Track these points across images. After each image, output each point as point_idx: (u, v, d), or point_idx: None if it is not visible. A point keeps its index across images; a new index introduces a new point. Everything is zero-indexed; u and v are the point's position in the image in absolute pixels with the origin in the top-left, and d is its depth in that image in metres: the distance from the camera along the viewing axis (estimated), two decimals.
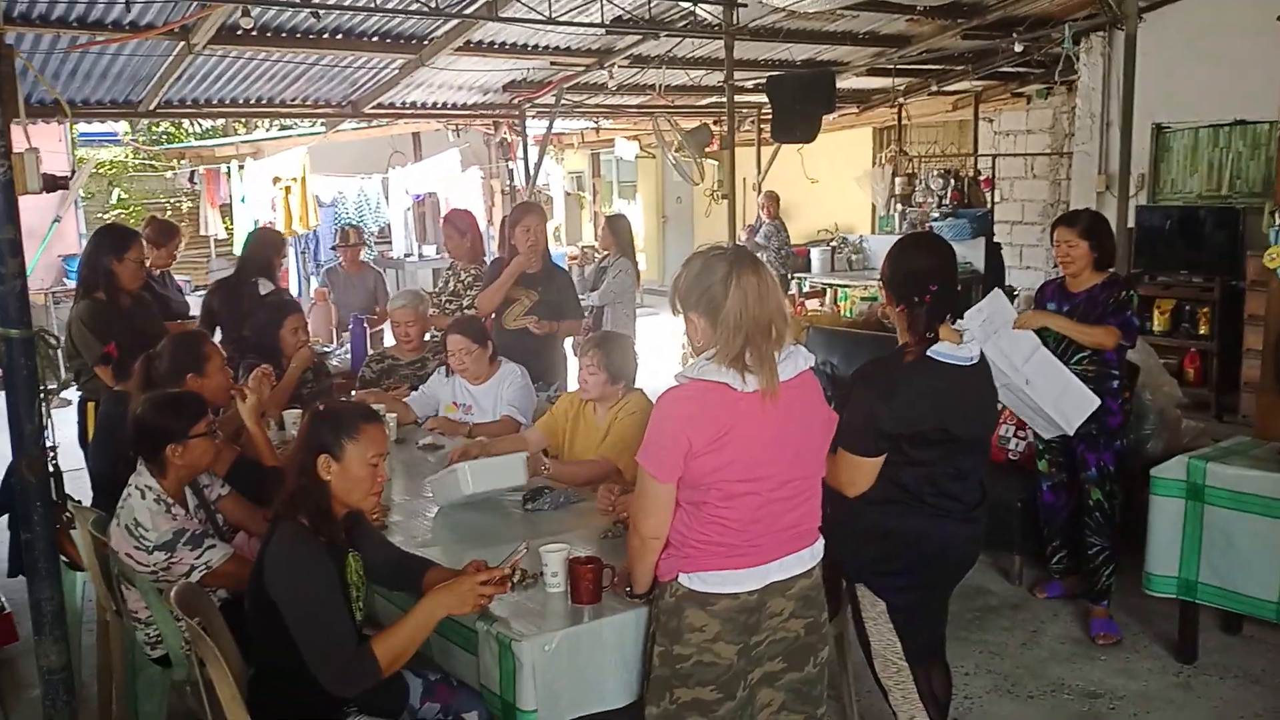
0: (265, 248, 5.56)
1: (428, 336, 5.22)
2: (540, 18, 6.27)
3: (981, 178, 10.80)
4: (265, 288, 5.25)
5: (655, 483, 2.27)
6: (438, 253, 11.20)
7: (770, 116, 8.14)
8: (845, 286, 9.77)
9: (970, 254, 9.08)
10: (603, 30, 6.86)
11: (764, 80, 8.15)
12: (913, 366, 2.67)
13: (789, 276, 10.24)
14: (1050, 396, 3.80)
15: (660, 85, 8.59)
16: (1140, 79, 6.65)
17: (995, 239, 9.66)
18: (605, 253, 7.29)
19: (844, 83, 9.06)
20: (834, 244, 10.80)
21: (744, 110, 10.44)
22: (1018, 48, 8.00)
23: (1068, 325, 3.95)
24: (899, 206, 11.29)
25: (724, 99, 7.17)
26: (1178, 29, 7.32)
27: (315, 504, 2.42)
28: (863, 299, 9.32)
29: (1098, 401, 3.84)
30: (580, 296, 7.26)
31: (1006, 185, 10.90)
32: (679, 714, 2.34)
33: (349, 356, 6.36)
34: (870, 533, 2.73)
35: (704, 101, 9.94)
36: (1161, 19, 7.37)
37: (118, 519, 2.98)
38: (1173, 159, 7.80)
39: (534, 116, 9.54)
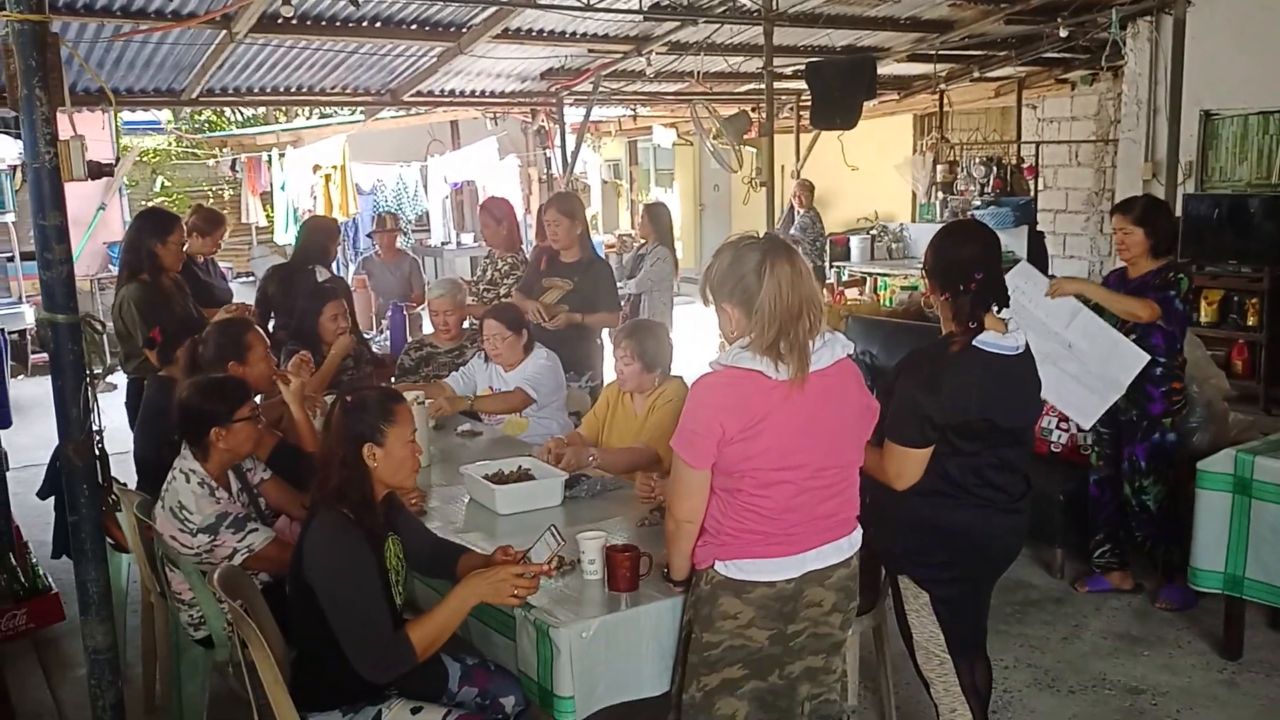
0: (320, 234, 5.63)
1: (466, 324, 5.24)
2: (578, 4, 6.26)
3: (1024, 165, 10.64)
4: (321, 275, 5.29)
5: (689, 469, 2.27)
6: (475, 240, 11.25)
7: (810, 103, 8.07)
8: (885, 275, 9.69)
9: (1013, 243, 8.96)
10: (640, 17, 6.84)
11: (803, 67, 8.08)
12: (959, 356, 2.63)
13: (825, 268, 10.17)
14: (1098, 357, 3.77)
15: (698, 72, 8.55)
16: (1188, 65, 6.53)
17: (1038, 227, 9.52)
18: (643, 241, 7.28)
19: (884, 69, 8.95)
20: (874, 232, 10.71)
21: (783, 97, 10.35)
22: (1062, 33, 7.84)
23: (1102, 293, 3.95)
24: (940, 194, 11.14)
25: (763, 86, 7.12)
26: (1226, 14, 7.15)
27: (360, 494, 2.45)
28: (903, 288, 9.24)
29: (1147, 357, 3.83)
30: (618, 285, 7.27)
31: (1050, 173, 10.72)
32: (708, 700, 2.35)
33: (388, 344, 6.42)
34: (915, 524, 2.70)
35: (743, 89, 9.88)
36: (1210, 4, 7.20)
37: (162, 502, 3.02)
38: (1221, 146, 7.62)
39: (571, 104, 9.53)
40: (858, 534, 2.43)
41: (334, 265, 12.12)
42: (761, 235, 2.36)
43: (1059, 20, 7.70)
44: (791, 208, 10.44)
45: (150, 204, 13.48)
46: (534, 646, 2.48)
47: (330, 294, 4.89)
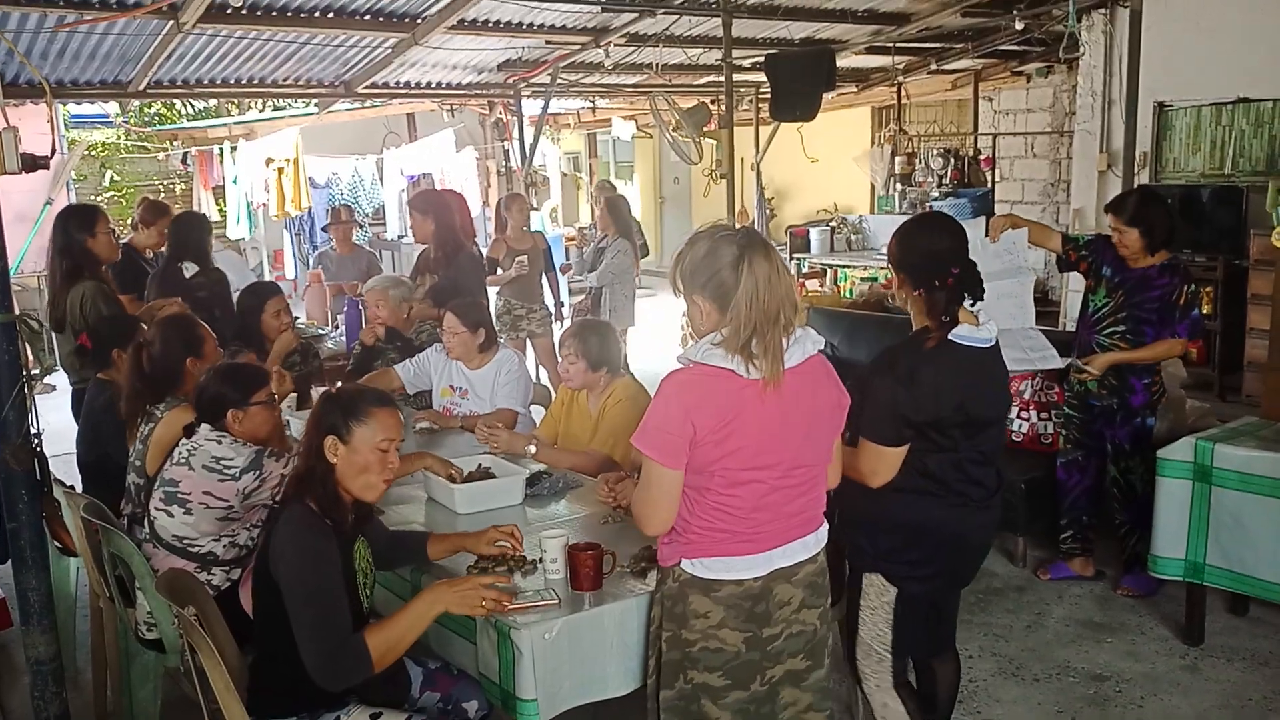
0: (190, 230, 5.31)
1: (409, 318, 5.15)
2: None
3: (981, 157, 10.72)
4: (190, 270, 5.09)
5: (662, 469, 2.17)
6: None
7: (769, 95, 8.05)
8: (845, 267, 9.71)
9: (971, 234, 9.00)
10: (598, 8, 6.77)
11: (762, 59, 8.05)
12: (934, 351, 2.58)
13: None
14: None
15: (657, 64, 8.49)
16: (1143, 57, 6.57)
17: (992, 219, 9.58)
18: (603, 234, 7.23)
19: (843, 61, 8.95)
20: (833, 224, 10.73)
21: (742, 89, 10.33)
22: (1019, 25, 7.89)
23: (1128, 356, 3.96)
24: (899, 186, 11.20)
25: (722, 78, 7.08)
26: (1181, 6, 7.23)
27: (323, 487, 2.37)
28: (863, 279, 9.27)
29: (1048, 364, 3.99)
30: (579, 277, 7.21)
31: (1006, 164, 10.81)
32: (694, 695, 2.29)
33: (344, 339, 6.31)
34: (892, 522, 2.66)
35: (702, 81, 9.84)
36: None
37: (189, 464, 2.98)
38: (1175, 138, 7.71)
39: (529, 96, 9.44)
40: (824, 530, 2.39)
41: (291, 260, 11.97)
42: (739, 227, 2.28)
43: (1015, 13, 7.74)
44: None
45: (99, 199, 13.22)
46: (495, 649, 2.42)
47: (271, 289, 4.79)
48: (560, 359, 3.81)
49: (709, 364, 2.15)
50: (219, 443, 2.99)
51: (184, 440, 3.07)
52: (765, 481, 2.20)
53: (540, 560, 2.64)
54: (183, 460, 3.01)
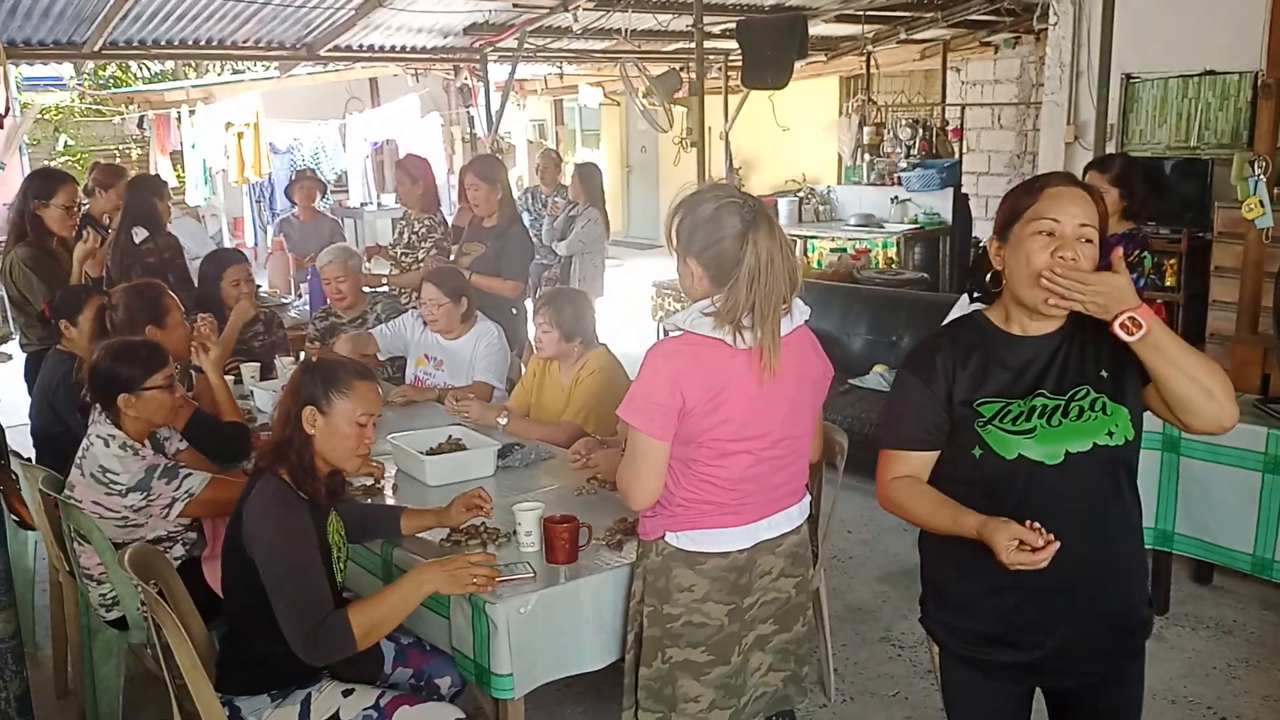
0: (141, 192, 5.11)
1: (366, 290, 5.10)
2: None
3: (949, 128, 10.72)
4: (140, 235, 4.95)
5: (650, 440, 2.11)
6: (395, 201, 10.95)
7: (739, 63, 7.98)
8: (813, 238, 9.69)
9: (939, 205, 9.03)
10: None
11: (733, 26, 7.97)
12: None
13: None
14: None
15: (626, 30, 8.37)
16: (1109, 28, 6.52)
17: (963, 190, 9.60)
18: (574, 202, 7.15)
19: (813, 29, 8.88)
20: (801, 195, 10.69)
21: (712, 57, 10.24)
22: None
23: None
24: (866, 157, 11.18)
25: (691, 45, 6.99)
26: None
27: (299, 457, 2.31)
28: (832, 250, 9.26)
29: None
30: (550, 245, 7.11)
31: (974, 136, 10.83)
32: (671, 674, 2.26)
33: (308, 307, 6.20)
34: None
35: (671, 47, 9.73)
36: None
37: (80, 469, 2.87)
38: (1141, 110, 7.74)
39: (495, 61, 9.29)
40: (807, 500, 2.38)
41: (251, 227, 11.76)
42: (742, 193, 2.19)
43: None
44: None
45: (53, 163, 12.87)
46: (469, 623, 2.39)
47: (231, 256, 4.67)
48: (534, 326, 3.76)
49: (698, 333, 2.10)
50: (108, 445, 2.84)
51: (87, 430, 2.93)
52: (752, 453, 2.17)
53: (514, 533, 2.60)
54: (78, 462, 2.88)
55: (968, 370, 1.89)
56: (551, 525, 2.50)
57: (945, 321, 3.41)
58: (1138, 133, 7.78)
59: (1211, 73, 7.27)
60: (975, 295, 1.98)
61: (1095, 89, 6.50)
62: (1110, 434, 1.82)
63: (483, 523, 2.69)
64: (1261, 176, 4.85)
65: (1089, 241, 1.79)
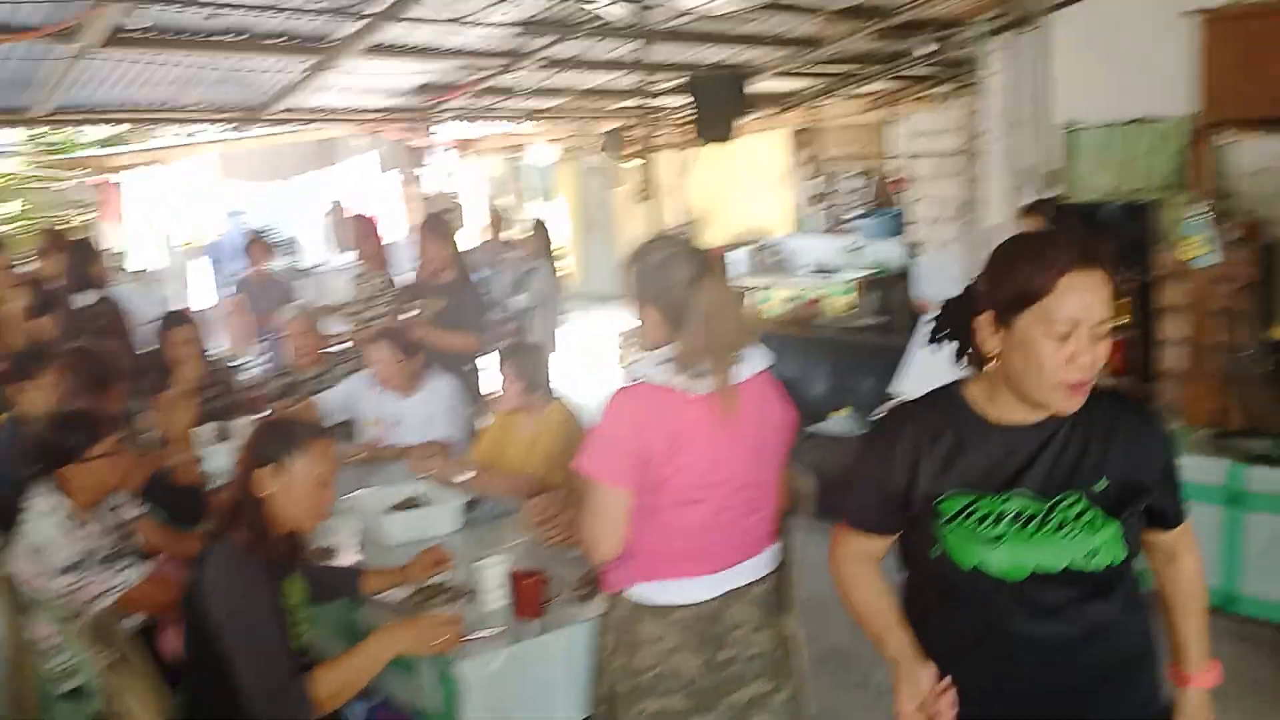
0: (79, 260, 5.19)
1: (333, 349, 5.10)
2: (448, 18, 6.10)
3: (896, 178, 10.95)
4: (84, 300, 4.93)
5: (610, 490, 2.11)
6: (353, 261, 10.92)
7: (688, 118, 8.13)
8: (768, 288, 9.82)
9: (892, 252, 9.21)
10: (516, 31, 6.72)
11: (680, 82, 8.12)
12: None
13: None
14: None
15: (575, 88, 8.48)
16: (1050, 79, 6.77)
17: (911, 239, 9.80)
18: (529, 256, 7.19)
19: (760, 85, 9.06)
20: (755, 246, 10.84)
21: (661, 113, 10.39)
22: (926, 49, 8.08)
23: None
24: (818, 207, 11.40)
25: (640, 102, 7.10)
26: (1083, 29, 7.47)
27: (256, 518, 2.26)
28: (788, 298, 9.39)
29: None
30: (510, 298, 7.14)
31: (920, 185, 11.06)
32: None
33: (267, 368, 6.15)
34: None
35: (619, 105, 9.86)
36: (1066, 19, 7.52)
37: (17, 543, 2.77)
38: (1082, 156, 7.96)
39: (446, 120, 9.35)
40: (776, 549, 2.37)
41: (207, 288, 11.63)
42: (691, 243, 2.28)
43: (922, 36, 7.92)
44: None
45: (5, 230, 12.69)
46: (437, 683, 2.34)
47: (176, 319, 4.65)
48: (500, 379, 3.76)
49: (656, 381, 2.12)
50: (48, 516, 2.76)
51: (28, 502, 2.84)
52: (716, 500, 2.17)
53: (479, 589, 2.57)
54: (16, 534, 2.80)
55: (934, 456, 1.67)
56: (519, 579, 2.47)
57: (904, 375, 3.44)
58: (1080, 179, 7.99)
59: (1146, 119, 7.52)
60: (939, 337, 1.81)
61: (1035, 138, 6.69)
62: (1091, 555, 1.61)
63: (445, 580, 2.66)
64: (1202, 217, 4.99)
65: (1104, 338, 1.57)
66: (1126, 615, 1.69)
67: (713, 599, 2.23)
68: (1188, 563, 1.84)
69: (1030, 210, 4.27)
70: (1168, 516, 1.78)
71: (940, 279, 9.30)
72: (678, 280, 2.13)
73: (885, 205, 10.73)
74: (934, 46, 7.99)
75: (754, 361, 2.23)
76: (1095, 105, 7.62)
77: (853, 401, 5.76)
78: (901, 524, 1.75)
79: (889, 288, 9.06)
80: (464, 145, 9.88)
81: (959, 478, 1.65)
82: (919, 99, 10.76)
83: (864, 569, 1.82)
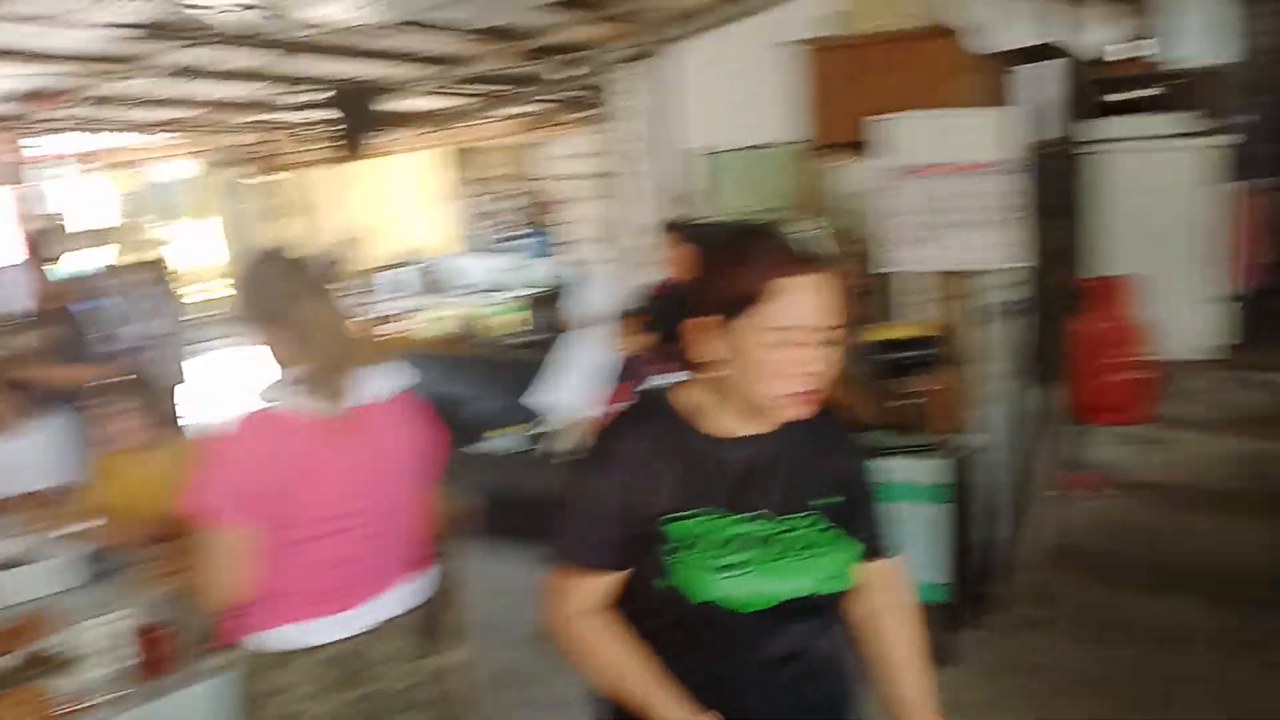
0: None
1: None
2: (39, 17, 5.47)
3: (547, 199, 11.23)
4: None
5: (223, 529, 1.91)
6: None
7: (334, 133, 7.85)
8: (427, 309, 9.72)
9: (547, 272, 9.46)
10: (137, 34, 6.15)
11: (318, 97, 7.82)
12: None
13: None
14: None
15: (196, 99, 7.90)
16: (677, 106, 7.22)
17: (562, 258, 10.11)
18: (149, 282, 6.64)
19: (408, 103, 8.93)
20: (415, 265, 10.74)
21: (297, 128, 9.95)
22: (558, 75, 8.36)
23: None
24: (475, 227, 11.47)
25: (273, 116, 6.74)
26: (712, 58, 8.06)
27: None
28: (452, 316, 9.37)
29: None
30: (124, 328, 6.56)
31: (569, 207, 11.42)
32: None
33: None
34: None
35: (254, 118, 9.32)
36: (697, 49, 8.07)
37: None
38: (723, 179, 8.58)
39: (51, 130, 8.38)
40: (429, 576, 2.26)
41: None
42: (285, 255, 2.11)
43: (556, 61, 8.18)
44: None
45: None
46: None
47: None
48: (110, 417, 3.38)
49: (269, 407, 1.97)
50: None
51: None
52: (347, 532, 2.03)
53: (95, 651, 2.28)
54: None
55: (653, 473, 1.47)
56: (142, 636, 2.22)
57: (544, 387, 3.45)
58: (723, 200, 8.61)
59: (763, 146, 8.24)
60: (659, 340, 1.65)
61: (671, 162, 7.10)
62: (832, 579, 1.49)
63: (54, 646, 2.34)
64: (816, 234, 5.50)
65: (833, 344, 1.45)
66: (843, 645, 1.61)
67: (350, 637, 2.07)
68: (907, 603, 1.67)
69: (670, 229, 4.57)
70: (876, 539, 1.65)
71: (588, 296, 9.69)
72: (278, 296, 2.00)
73: (542, 226, 11.00)
74: (565, 73, 8.29)
75: (385, 381, 2.12)
76: (728, 131, 8.23)
77: (518, 419, 5.79)
78: (626, 557, 1.50)
79: (550, 305, 9.28)
80: (86, 158, 8.87)
81: (686, 497, 1.47)
82: (561, 123, 11.11)
83: (596, 624, 1.51)
